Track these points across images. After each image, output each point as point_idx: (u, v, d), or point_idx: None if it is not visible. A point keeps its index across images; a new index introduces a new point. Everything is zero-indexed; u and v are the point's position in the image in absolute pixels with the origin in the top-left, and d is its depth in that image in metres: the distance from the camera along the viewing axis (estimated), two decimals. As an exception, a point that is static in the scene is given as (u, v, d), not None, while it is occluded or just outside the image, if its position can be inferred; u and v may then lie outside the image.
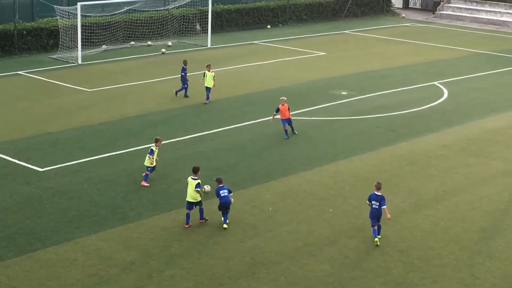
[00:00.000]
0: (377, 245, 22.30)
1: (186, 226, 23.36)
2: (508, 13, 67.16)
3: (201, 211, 23.66)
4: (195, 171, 23.60)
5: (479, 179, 28.05)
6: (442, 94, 40.29)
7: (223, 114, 35.58)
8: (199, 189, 23.36)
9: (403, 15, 70.47)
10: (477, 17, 68.06)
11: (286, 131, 32.28)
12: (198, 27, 55.47)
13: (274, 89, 40.12)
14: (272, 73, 44.37)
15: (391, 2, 71.77)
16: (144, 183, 26.56)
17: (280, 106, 32.16)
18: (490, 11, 68.26)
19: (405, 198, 25.94)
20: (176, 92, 38.40)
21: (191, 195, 23.39)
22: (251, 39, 55.52)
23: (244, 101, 38.01)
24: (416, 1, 75.11)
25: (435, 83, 42.84)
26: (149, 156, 26.79)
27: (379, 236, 22.54)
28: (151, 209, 24.49)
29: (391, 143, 31.89)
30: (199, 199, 23.49)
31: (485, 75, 45.19)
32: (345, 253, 21.83)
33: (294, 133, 32.44)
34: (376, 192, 22.65)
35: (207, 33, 52.70)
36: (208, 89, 37.27)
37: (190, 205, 23.48)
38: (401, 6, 74.42)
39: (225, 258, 21.35)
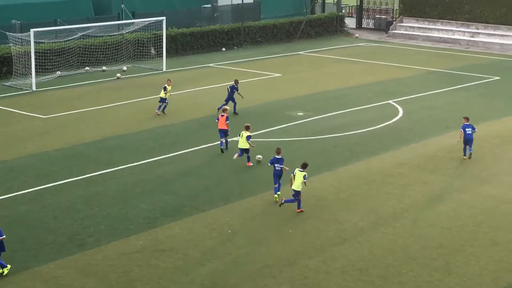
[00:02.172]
0: (276, 201, 26.79)
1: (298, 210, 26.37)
2: (460, 31, 68.12)
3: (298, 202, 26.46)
4: (304, 166, 26.43)
5: (435, 196, 28.28)
6: (397, 112, 40.65)
7: (180, 138, 35.50)
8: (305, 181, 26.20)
9: (357, 35, 71.10)
10: (429, 36, 68.94)
11: (221, 142, 32.99)
12: (153, 51, 55.41)
13: (230, 112, 40.08)
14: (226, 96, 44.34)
15: (345, 22, 72.43)
16: None
17: (219, 116, 33.24)
18: (442, 30, 69.19)
19: (364, 217, 26.05)
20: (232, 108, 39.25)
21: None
22: (206, 62, 55.58)
23: (201, 124, 37.97)
24: (369, 21, 75.85)
25: (390, 102, 43.22)
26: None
27: (279, 193, 27.04)
28: (109, 235, 24.28)
29: (348, 163, 32.06)
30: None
31: (439, 93, 45.70)
32: (305, 273, 21.82)
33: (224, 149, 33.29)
34: (277, 156, 27.40)
35: (162, 57, 52.66)
36: (163, 99, 39.33)
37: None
38: (354, 26, 75.10)
39: (185, 282, 21.22)
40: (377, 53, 61.58)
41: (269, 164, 27.86)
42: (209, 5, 65.41)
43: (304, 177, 26.10)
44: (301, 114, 40.00)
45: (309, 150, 33.75)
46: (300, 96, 44.68)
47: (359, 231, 24.84)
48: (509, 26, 65.93)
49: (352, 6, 78.32)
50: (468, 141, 32.58)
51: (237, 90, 39.94)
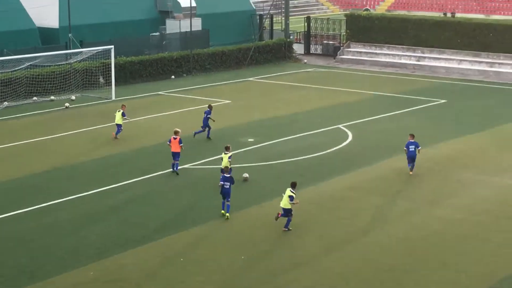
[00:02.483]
0: (223, 215, 28.30)
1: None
2: (406, 55, 69.01)
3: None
4: (293, 185, 27.77)
5: (386, 219, 28.55)
6: (346, 137, 41.00)
7: (132, 166, 35.34)
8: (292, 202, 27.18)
9: (305, 60, 71.62)
10: (376, 60, 69.73)
11: (173, 164, 33.94)
12: (101, 80, 55.16)
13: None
14: (178, 123, 44.28)
15: (293, 48, 72.87)
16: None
17: (171, 138, 33.80)
18: (388, 54, 70.03)
19: (315, 242, 26.16)
20: (195, 134, 40.07)
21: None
22: (156, 90, 55.50)
23: (152, 152, 37.86)
24: (317, 46, 76.47)
25: (340, 126, 43.58)
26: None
27: (223, 212, 28.43)
28: (60, 266, 24.02)
29: (299, 188, 32.01)
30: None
31: (387, 117, 46.21)
32: (259, 300, 21.83)
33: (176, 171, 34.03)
34: (225, 175, 28.53)
35: (111, 85, 52.44)
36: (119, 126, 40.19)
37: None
38: (303, 52, 75.61)
39: (138, 312, 21.08)
40: (326, 78, 62.07)
41: (220, 183, 28.71)
42: (157, 33, 65.42)
43: (290, 197, 27.20)
44: (252, 140, 40.13)
45: (260, 176, 33.84)
46: (250, 122, 44.84)
47: (312, 257, 24.94)
48: (453, 50, 66.97)
49: (300, 32, 78.83)
50: (410, 158, 33.81)
51: (210, 115, 40.47)
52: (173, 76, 60.97)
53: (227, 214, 28.44)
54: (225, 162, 31.35)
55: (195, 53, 63.18)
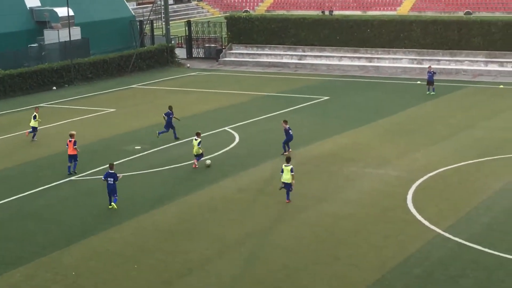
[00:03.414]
0: (110, 208, 29.83)
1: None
2: (287, 54, 69.83)
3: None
4: (288, 160, 30.72)
5: (277, 218, 28.77)
6: (234, 139, 41.15)
7: (16, 182, 34.48)
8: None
9: (188, 65, 71.54)
10: (259, 61, 70.28)
11: (69, 167, 35.06)
12: (-20, 94, 53.66)
13: (64, 151, 39.37)
14: (62, 135, 43.46)
15: (175, 53, 72.67)
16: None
17: (68, 141, 35.16)
18: (270, 54, 70.69)
19: (209, 246, 26.12)
20: (159, 134, 41.27)
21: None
22: (37, 102, 54.16)
23: (36, 166, 37.04)
24: (199, 50, 76.50)
25: (226, 128, 43.69)
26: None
27: (114, 205, 29.85)
28: None
29: (189, 192, 32.12)
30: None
31: (272, 116, 46.58)
32: (154, 308, 21.63)
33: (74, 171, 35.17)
34: (110, 171, 30.02)
35: (-10, 100, 51.10)
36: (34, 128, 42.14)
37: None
38: (185, 56, 75.49)
39: (31, 331, 20.55)
40: (210, 81, 62.15)
41: (103, 179, 30.39)
42: (36, 44, 64.05)
43: (291, 169, 29.96)
44: (139, 147, 39.77)
45: (149, 183, 33.60)
46: (136, 129, 44.43)
47: (206, 260, 24.89)
48: (333, 47, 68.21)
49: (181, 36, 78.72)
50: (289, 140, 37.46)
51: (173, 115, 41.70)
52: (54, 87, 59.86)
53: (114, 204, 30.09)
54: (195, 149, 35.35)
55: (76, 63, 62.18)
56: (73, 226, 28.56)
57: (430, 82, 53.09)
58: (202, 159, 35.95)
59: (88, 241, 26.96)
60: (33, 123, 41.96)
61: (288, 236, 26.85)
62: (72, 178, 34.40)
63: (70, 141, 35.02)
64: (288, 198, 30.41)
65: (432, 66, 56.64)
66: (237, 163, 36.42)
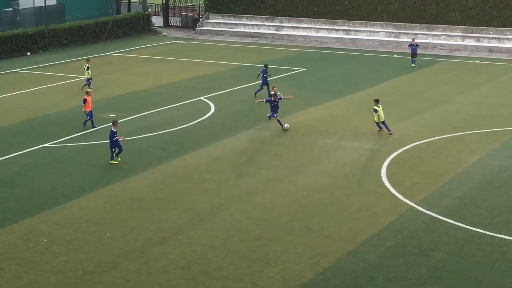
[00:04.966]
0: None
1: None
2: (265, 25, 69.56)
3: None
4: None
5: (251, 189, 28.74)
6: (209, 108, 40.99)
7: (-12, 147, 34.20)
8: None
9: (165, 33, 71.07)
10: (236, 31, 69.95)
11: (92, 121, 37.14)
12: (-47, 59, 53.01)
13: (39, 117, 39.13)
14: (36, 101, 43.21)
15: (152, 21, 72.14)
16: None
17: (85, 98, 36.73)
18: (248, 24, 70.39)
19: (182, 215, 26.07)
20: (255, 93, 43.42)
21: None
22: (11, 67, 53.75)
23: (9, 132, 36.70)
24: (176, 19, 75.98)
25: (201, 98, 43.51)
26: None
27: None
28: None
29: (163, 162, 31.99)
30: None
31: (248, 87, 46.43)
32: (126, 276, 21.56)
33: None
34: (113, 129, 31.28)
35: (-37, 64, 50.52)
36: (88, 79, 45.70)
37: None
38: (162, 24, 74.99)
39: (2, 297, 20.46)
40: (186, 50, 61.81)
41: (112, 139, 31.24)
42: (10, 9, 63.26)
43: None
44: (113, 115, 39.48)
45: (123, 151, 33.37)
46: (111, 97, 44.14)
47: (179, 229, 24.84)
48: (311, 19, 68.01)
49: (158, 4, 78.16)
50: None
51: (266, 74, 43.74)
52: (28, 53, 59.28)
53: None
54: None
55: (50, 29, 61.56)
56: (45, 193, 28.37)
57: (413, 54, 53.17)
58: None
59: (61, 208, 26.79)
60: (87, 74, 45.45)
61: (261, 207, 26.84)
62: (46, 145, 34.11)
63: (86, 98, 36.76)
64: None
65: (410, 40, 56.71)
66: (211, 133, 36.29)
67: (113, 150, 31.67)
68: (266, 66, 44.60)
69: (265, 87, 43.25)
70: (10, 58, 57.46)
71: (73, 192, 28.42)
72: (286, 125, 36.13)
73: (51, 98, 43.96)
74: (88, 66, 45.70)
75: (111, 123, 32.13)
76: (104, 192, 28.44)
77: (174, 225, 25.18)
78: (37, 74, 51.56)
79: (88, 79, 45.69)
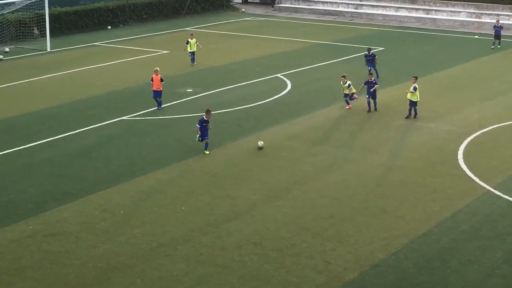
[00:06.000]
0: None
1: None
2: (344, 3, 69.08)
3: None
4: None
5: (325, 167, 28.68)
6: (285, 86, 40.96)
7: (68, 119, 34.83)
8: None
9: (243, 9, 71.18)
10: (314, 9, 69.64)
11: (159, 102, 36.18)
12: (36, 31, 54.07)
13: (118, 91, 39.69)
14: (115, 74, 43.84)
15: (231, -3, 72.34)
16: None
17: (153, 76, 35.82)
18: (326, 2, 69.99)
19: (256, 191, 26.18)
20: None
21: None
22: (92, 41, 54.63)
23: (88, 105, 37.35)
24: (255, -5, 76.02)
25: (278, 75, 43.51)
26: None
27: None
28: (-3, 222, 23.67)
29: (238, 138, 32.14)
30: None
31: (325, 65, 46.26)
32: (200, 250, 21.80)
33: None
34: (205, 118, 29.66)
35: (46, 36, 51.45)
36: (192, 53, 45.79)
37: None
38: (240, 0, 75.11)
39: (78, 265, 20.88)
40: (264, 27, 61.81)
41: (197, 126, 29.68)
42: (92, -17, 64.18)
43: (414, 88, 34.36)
44: (190, 90, 39.83)
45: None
46: (188, 72, 44.50)
47: (252, 205, 24.97)
48: (391, -3, 67.30)
49: (237, -20, 78.30)
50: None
51: (370, 57, 42.44)
52: (109, 27, 60.10)
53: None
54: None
55: (131, 3, 62.30)
56: (122, 166, 28.82)
57: (497, 36, 52.06)
58: None
59: (137, 181, 27.19)
60: (190, 48, 46.04)
61: (335, 185, 26.77)
62: (123, 118, 34.61)
63: (155, 76, 35.74)
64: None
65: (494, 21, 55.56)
66: (287, 110, 36.28)
67: (206, 137, 30.01)
68: (369, 50, 43.32)
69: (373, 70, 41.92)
70: (91, 31, 58.37)
71: (149, 165, 28.79)
72: None
73: (130, 72, 44.53)
74: (188, 41, 46.24)
75: (203, 112, 30.90)
76: (180, 166, 28.75)
77: (248, 201, 25.32)
78: (117, 47, 52.26)
79: (191, 53, 46.21)
